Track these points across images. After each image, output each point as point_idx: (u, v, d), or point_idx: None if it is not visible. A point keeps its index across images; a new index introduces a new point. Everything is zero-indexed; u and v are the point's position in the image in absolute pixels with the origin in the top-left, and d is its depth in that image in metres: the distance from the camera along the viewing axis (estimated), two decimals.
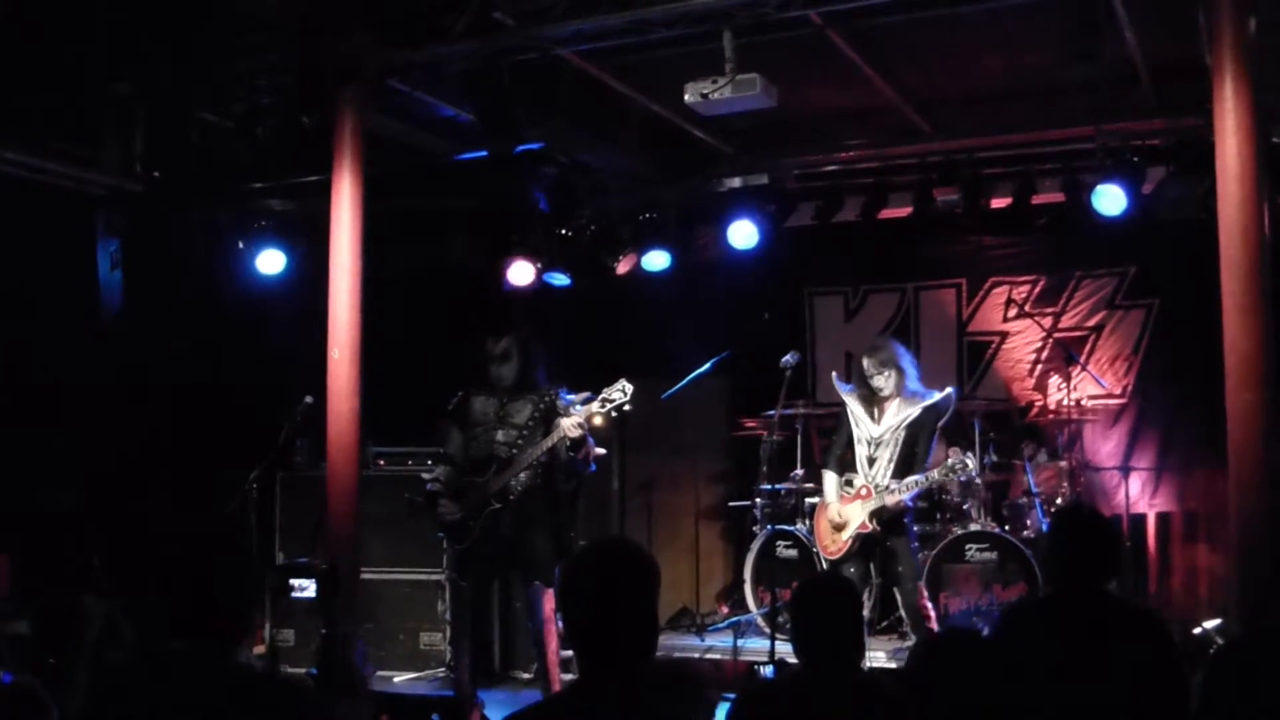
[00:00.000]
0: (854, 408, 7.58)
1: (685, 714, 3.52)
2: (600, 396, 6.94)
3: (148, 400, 8.69)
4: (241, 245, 9.44)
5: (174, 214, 9.01)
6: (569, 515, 7.38)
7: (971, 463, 7.38)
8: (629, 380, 6.93)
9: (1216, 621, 7.71)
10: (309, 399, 7.78)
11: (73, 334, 8.52)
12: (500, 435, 7.16)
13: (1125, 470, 9.15)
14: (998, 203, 8.89)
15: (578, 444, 6.97)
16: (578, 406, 6.97)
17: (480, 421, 7.23)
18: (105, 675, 3.38)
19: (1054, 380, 9.63)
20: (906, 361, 7.50)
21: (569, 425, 6.90)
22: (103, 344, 8.70)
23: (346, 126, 7.36)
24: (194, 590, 3.12)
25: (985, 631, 6.39)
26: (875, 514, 7.34)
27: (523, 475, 7.07)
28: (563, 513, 7.29)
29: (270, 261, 9.41)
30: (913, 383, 7.47)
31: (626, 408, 6.94)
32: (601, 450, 7.37)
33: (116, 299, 8.79)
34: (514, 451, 7.09)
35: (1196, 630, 7.75)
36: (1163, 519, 9.32)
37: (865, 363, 7.52)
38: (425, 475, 7.56)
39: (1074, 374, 9.36)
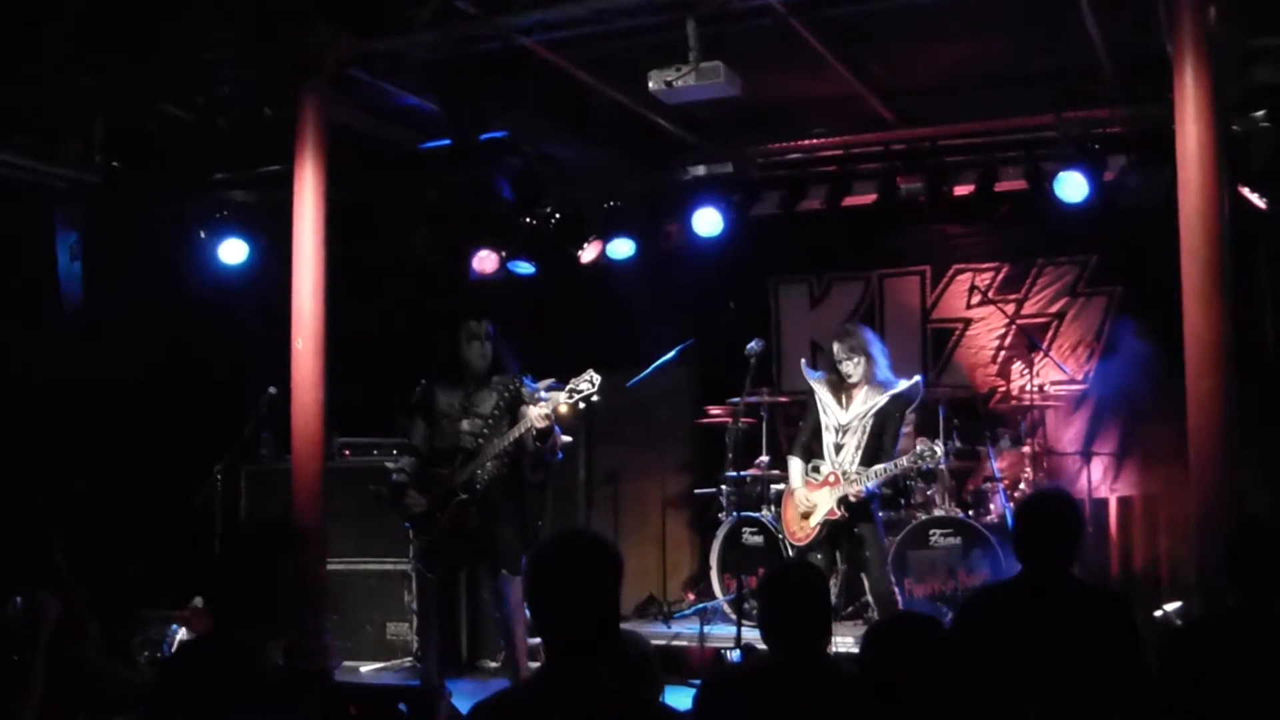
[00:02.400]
0: (822, 395, 7.59)
1: (642, 693, 3.56)
2: (568, 387, 6.90)
3: (110, 393, 8.63)
4: (204, 236, 9.37)
5: (135, 206, 8.93)
6: (537, 505, 7.37)
7: (939, 450, 7.40)
8: (594, 369, 6.91)
9: (1177, 604, 7.80)
10: (273, 390, 7.75)
11: (32, 327, 8.45)
12: (465, 425, 7.13)
13: (1087, 455, 9.22)
14: (961, 190, 8.93)
15: (545, 434, 6.94)
16: (543, 395, 6.94)
17: (445, 412, 7.21)
18: (165, 663, 3.58)
19: (1017, 367, 9.69)
20: (876, 349, 7.51)
21: (536, 416, 6.87)
22: (63, 337, 8.63)
23: (309, 117, 7.32)
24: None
25: (949, 616, 6.44)
26: (843, 500, 7.37)
27: (489, 465, 7.04)
28: (530, 502, 7.27)
29: (233, 252, 9.35)
30: (882, 371, 7.48)
31: (594, 399, 6.91)
32: (568, 438, 7.36)
33: (77, 292, 8.72)
34: (479, 442, 7.07)
35: (1157, 613, 7.84)
36: (1124, 503, 9.40)
37: (835, 348, 7.52)
38: (390, 466, 7.53)
39: (1036, 360, 9.43)
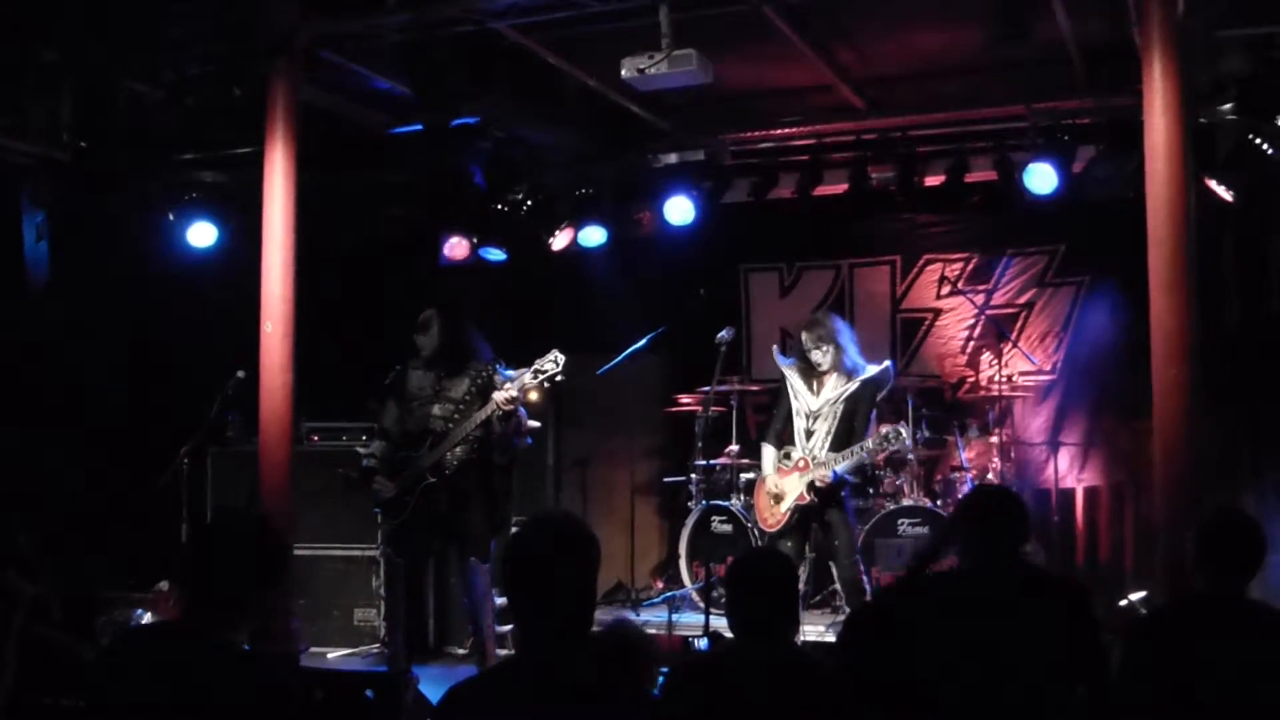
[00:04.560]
0: (793, 381, 7.61)
1: (631, 683, 3.54)
2: (533, 367, 6.92)
3: (75, 374, 8.56)
4: (172, 217, 9.31)
5: (103, 185, 8.86)
6: (504, 490, 7.36)
7: (905, 432, 7.42)
8: (566, 357, 6.92)
9: (1142, 593, 7.87)
10: (241, 373, 7.70)
11: None
12: (437, 409, 7.13)
13: (1054, 445, 9.27)
14: (931, 180, 8.96)
15: (508, 417, 6.95)
16: (513, 380, 6.96)
17: (416, 396, 7.21)
18: (114, 642, 3.43)
19: (985, 357, 9.73)
20: (845, 337, 7.54)
21: (500, 399, 6.89)
22: (28, 317, 8.55)
23: (279, 98, 7.28)
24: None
25: None
26: (811, 485, 7.39)
27: (458, 449, 7.04)
28: (498, 487, 7.27)
29: (201, 234, 9.29)
30: (851, 358, 7.51)
31: (559, 378, 6.92)
32: (535, 423, 7.35)
33: (43, 271, 8.64)
34: (449, 426, 7.07)
35: (1122, 602, 7.90)
36: (1090, 493, 9.46)
37: (804, 337, 7.55)
38: (361, 450, 7.52)
39: (1005, 351, 9.46)
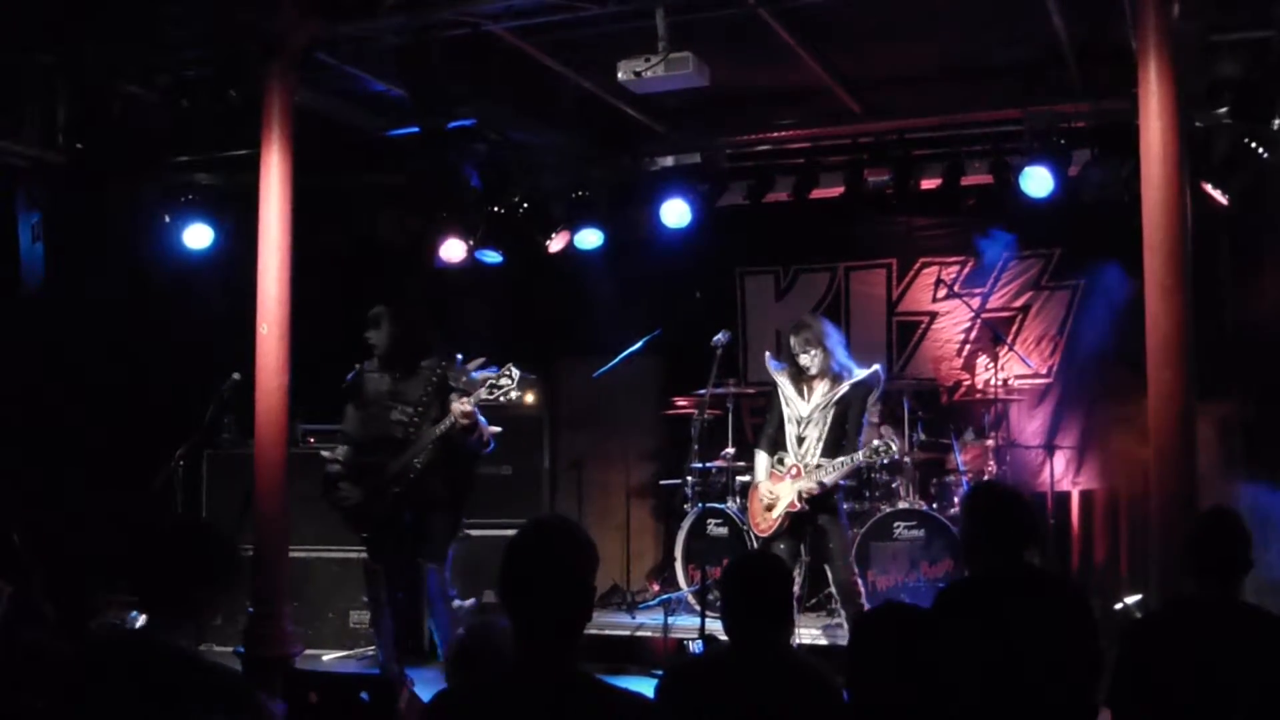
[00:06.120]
0: (784, 386, 7.59)
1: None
2: (489, 382, 6.86)
3: (70, 375, 8.55)
4: (168, 219, 9.31)
5: (98, 187, 8.85)
6: (464, 493, 7.31)
7: (895, 445, 7.39)
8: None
9: (1137, 597, 7.87)
10: (237, 376, 7.70)
11: None
12: (395, 414, 7.06)
13: (1050, 449, 9.27)
14: (927, 184, 8.95)
15: (469, 429, 6.91)
16: (473, 374, 6.89)
17: (374, 399, 7.16)
18: (88, 650, 3.41)
19: (982, 360, 9.73)
20: (833, 340, 7.50)
21: (458, 411, 6.83)
22: (23, 318, 8.54)
23: (275, 100, 7.28)
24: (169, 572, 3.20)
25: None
26: (804, 492, 7.37)
27: (422, 456, 7.00)
28: (462, 492, 7.24)
29: (198, 236, 9.30)
30: (839, 361, 7.48)
31: (513, 394, 6.88)
32: (496, 428, 7.28)
33: (38, 272, 8.63)
34: (410, 431, 7.02)
35: (1117, 606, 7.91)
36: (1085, 497, 9.46)
37: (792, 341, 7.52)
38: (326, 455, 7.45)
39: (1001, 354, 9.46)
